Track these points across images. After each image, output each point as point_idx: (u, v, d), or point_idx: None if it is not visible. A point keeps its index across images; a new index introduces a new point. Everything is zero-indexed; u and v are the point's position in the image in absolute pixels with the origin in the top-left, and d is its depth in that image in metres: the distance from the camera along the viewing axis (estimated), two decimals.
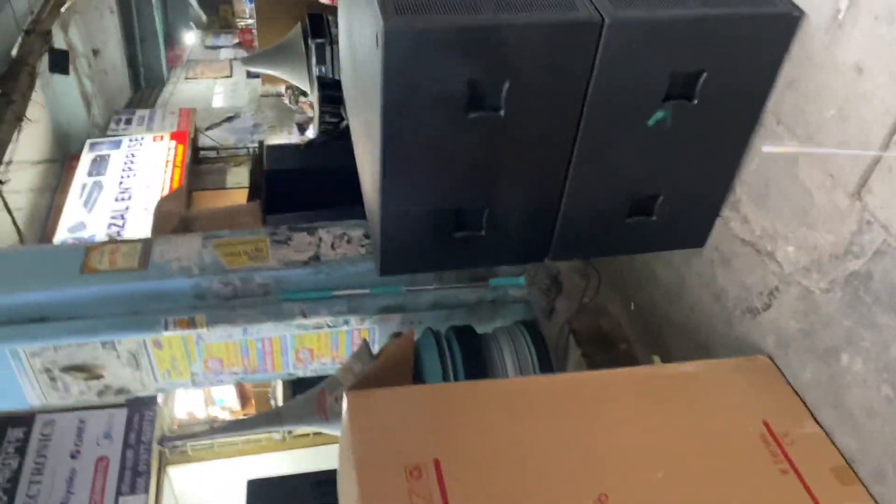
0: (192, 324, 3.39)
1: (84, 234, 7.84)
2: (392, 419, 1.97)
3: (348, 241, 3.57)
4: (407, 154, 2.03)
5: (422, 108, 1.93)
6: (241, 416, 3.71)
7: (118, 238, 4.40)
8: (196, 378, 3.71)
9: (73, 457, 5.91)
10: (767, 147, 2.16)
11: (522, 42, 1.86)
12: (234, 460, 5.62)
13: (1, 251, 3.58)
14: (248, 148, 10.17)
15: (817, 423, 2.02)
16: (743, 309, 2.35)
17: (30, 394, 3.56)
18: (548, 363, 3.26)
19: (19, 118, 6.65)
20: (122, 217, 8.02)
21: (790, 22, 1.97)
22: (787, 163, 2.09)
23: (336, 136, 5.13)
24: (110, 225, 7.93)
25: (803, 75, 1.99)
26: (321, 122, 5.15)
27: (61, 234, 7.80)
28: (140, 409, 6.32)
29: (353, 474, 1.79)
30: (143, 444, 6.08)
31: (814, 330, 2.03)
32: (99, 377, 3.56)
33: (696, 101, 2.07)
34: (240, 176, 9.23)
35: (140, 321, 3.37)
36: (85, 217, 8.05)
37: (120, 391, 3.70)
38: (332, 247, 3.54)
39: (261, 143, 4.77)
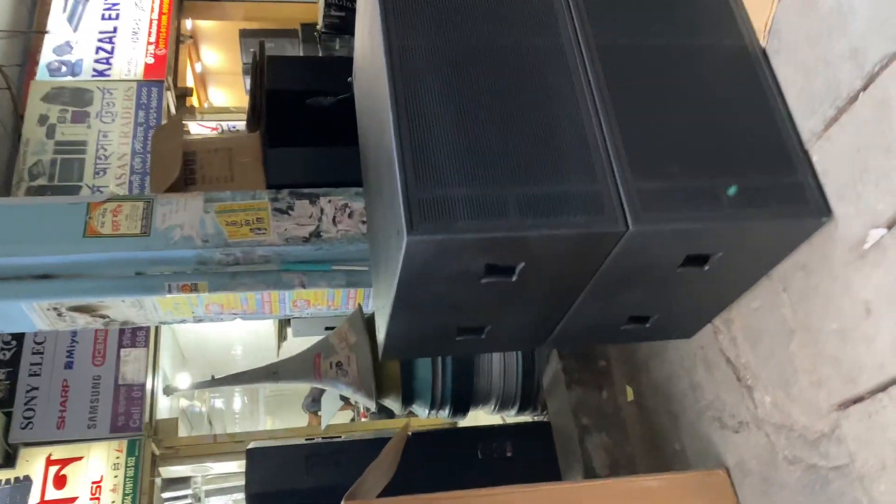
0: (194, 289, 3.51)
1: (71, 59, 7.50)
2: None
3: (349, 216, 3.59)
4: (418, 302, 2.07)
5: (437, 280, 1.94)
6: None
7: (117, 195, 4.28)
8: (197, 316, 3.90)
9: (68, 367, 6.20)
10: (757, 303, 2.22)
11: (545, 246, 1.85)
12: None
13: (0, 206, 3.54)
14: None
15: None
16: (714, 416, 2.55)
17: (39, 323, 3.74)
18: (532, 369, 3.49)
19: None
20: (111, 42, 7.62)
21: (816, 225, 1.95)
22: (785, 329, 2.17)
23: (342, 30, 4.84)
24: (98, 49, 7.56)
25: (816, 269, 2.00)
26: (326, 16, 4.82)
27: (47, 56, 7.47)
28: None
29: None
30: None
31: (771, 485, 2.26)
32: (104, 316, 3.74)
33: (706, 268, 2.09)
34: None
35: (144, 283, 3.47)
36: (71, 36, 7.63)
37: (124, 323, 3.91)
38: (334, 221, 3.57)
39: (261, 44, 4.47)
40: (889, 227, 1.75)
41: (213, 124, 8.25)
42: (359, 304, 3.80)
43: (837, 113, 1.91)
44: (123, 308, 3.72)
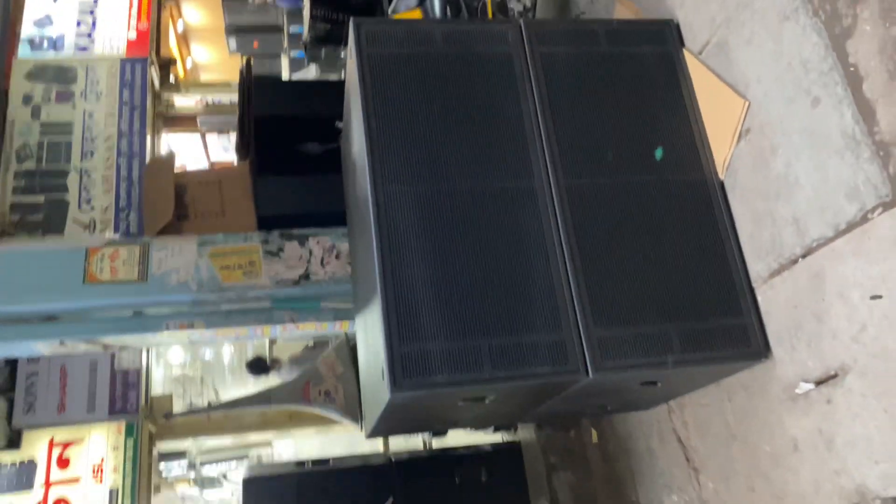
0: (190, 326, 3.72)
1: (52, 34, 7.41)
2: None
3: (337, 257, 3.77)
4: (402, 417, 2.31)
5: (419, 407, 2.18)
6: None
7: (114, 239, 4.36)
8: (192, 340, 4.12)
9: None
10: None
11: (514, 389, 2.08)
12: None
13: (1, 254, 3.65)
14: None
15: None
16: (665, 483, 2.85)
17: (43, 351, 3.96)
18: None
19: None
20: (92, 13, 7.51)
21: (757, 358, 2.18)
22: (727, 433, 2.44)
23: (328, 41, 4.89)
24: (79, 23, 7.45)
25: (756, 394, 2.25)
26: (311, 28, 4.85)
27: (27, 29, 7.37)
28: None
29: None
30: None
31: None
32: (105, 346, 3.96)
33: (659, 385, 2.34)
34: None
35: (143, 323, 3.67)
36: (51, 8, 7.51)
37: (122, 348, 4.13)
38: (322, 263, 3.75)
39: (248, 62, 4.50)
40: (816, 384, 1.99)
41: (198, 97, 8.22)
42: (345, 334, 4.04)
43: (780, 268, 2.12)
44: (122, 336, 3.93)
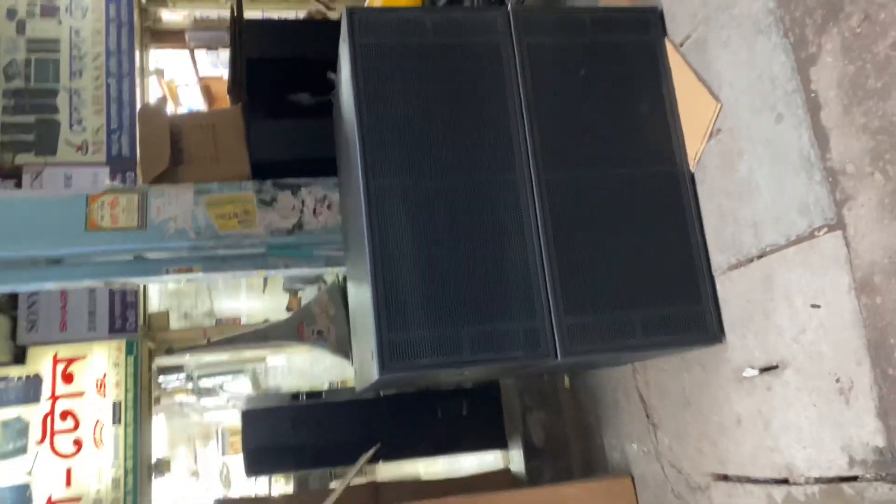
0: (189, 270, 3.91)
1: None
2: None
3: (329, 207, 3.93)
4: (394, 380, 2.55)
5: (407, 378, 2.41)
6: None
7: (114, 186, 4.40)
8: (189, 280, 4.32)
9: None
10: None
11: (489, 367, 2.31)
12: None
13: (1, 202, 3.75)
14: None
15: None
16: (627, 433, 3.15)
17: (48, 288, 4.14)
18: None
19: None
20: None
21: (712, 342, 2.41)
22: (683, 398, 2.70)
23: None
24: None
25: (709, 371, 2.50)
26: None
27: None
28: (122, 167, 6.81)
29: None
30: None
31: None
32: (106, 283, 4.15)
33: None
34: None
35: (144, 267, 3.86)
36: None
37: (124, 285, 4.33)
38: (314, 213, 3.91)
39: (239, 1, 4.47)
40: (760, 371, 2.23)
41: (185, 11, 8.05)
42: (336, 276, 4.25)
43: (738, 263, 2.31)
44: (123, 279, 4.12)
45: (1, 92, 6.82)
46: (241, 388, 8.92)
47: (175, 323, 7.46)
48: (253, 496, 6.80)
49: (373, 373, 2.23)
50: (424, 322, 2.22)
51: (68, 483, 6.17)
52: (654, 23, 2.61)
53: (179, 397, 8.03)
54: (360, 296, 2.46)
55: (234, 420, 11.01)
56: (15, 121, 6.90)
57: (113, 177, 6.85)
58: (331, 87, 3.73)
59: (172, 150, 4.11)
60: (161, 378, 7.25)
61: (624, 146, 2.49)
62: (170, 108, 9.60)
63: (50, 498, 6.12)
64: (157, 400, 7.22)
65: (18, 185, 6.04)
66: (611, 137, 2.49)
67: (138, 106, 6.65)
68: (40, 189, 5.68)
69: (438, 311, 2.24)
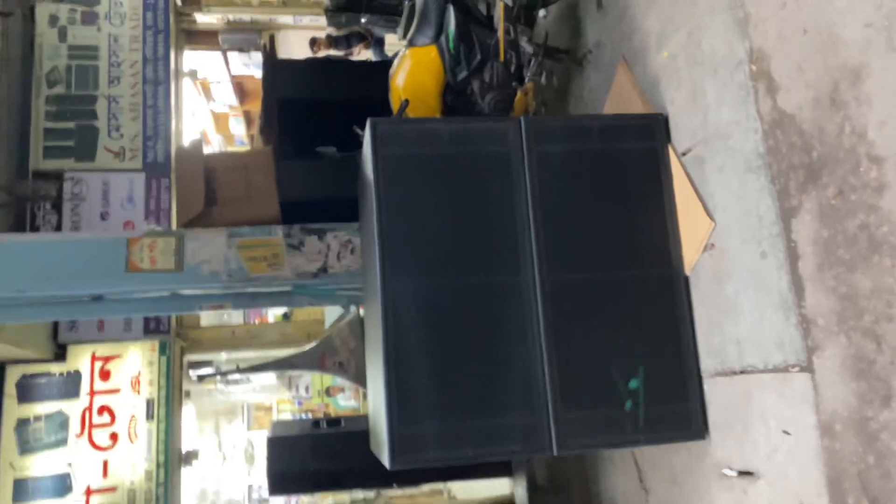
0: (220, 307, 4.19)
1: None
2: None
3: (352, 252, 4.16)
4: None
5: None
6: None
7: (153, 229, 4.66)
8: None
9: (103, 218, 6.87)
10: None
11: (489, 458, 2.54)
12: None
13: (46, 243, 4.02)
14: None
15: None
16: (621, 491, 3.38)
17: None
18: None
19: None
20: None
21: (696, 438, 2.62)
22: (671, 476, 2.92)
23: (349, 9, 4.97)
24: None
25: (695, 457, 2.71)
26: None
27: None
28: (156, 174, 7.09)
29: None
30: (162, 211, 7.02)
31: None
32: None
33: None
34: None
35: (179, 304, 4.16)
36: None
37: None
38: (338, 257, 4.15)
39: (271, 40, 4.65)
40: (738, 474, 2.44)
41: (219, 14, 8.21)
42: (357, 312, 4.50)
43: (723, 371, 2.51)
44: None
45: (44, 98, 7.10)
46: (267, 379, 9.31)
47: (205, 320, 7.82)
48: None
49: (385, 456, 2.48)
50: (432, 416, 2.46)
51: (105, 474, 6.58)
52: (659, 129, 2.77)
53: (209, 388, 8.44)
54: (375, 378, 2.69)
55: (259, 398, 11.44)
56: (56, 126, 7.18)
57: (148, 184, 7.14)
58: (355, 138, 3.92)
59: (206, 191, 4.36)
60: (191, 372, 7.62)
61: (625, 250, 2.68)
62: (202, 105, 9.85)
63: (88, 487, 6.55)
64: (188, 394, 7.61)
65: (58, 204, 6.35)
66: (613, 241, 2.67)
67: (173, 111, 6.91)
68: (81, 232, 5.98)
69: (444, 407, 2.47)
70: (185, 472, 7.23)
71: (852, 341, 1.90)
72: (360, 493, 5.06)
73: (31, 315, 4.23)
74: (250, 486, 12.43)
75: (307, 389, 10.39)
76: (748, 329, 2.35)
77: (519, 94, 3.67)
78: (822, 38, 1.96)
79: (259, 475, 12.27)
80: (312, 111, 4.63)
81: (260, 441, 12.13)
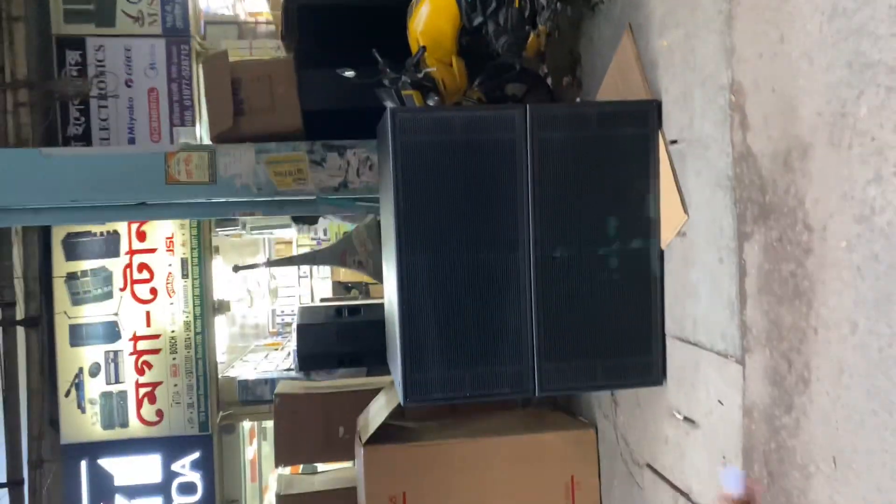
0: (252, 214, 4.66)
1: None
2: (385, 468, 3.89)
3: (370, 168, 4.54)
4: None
5: None
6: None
7: (188, 144, 4.80)
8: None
9: (128, 85, 7.12)
10: None
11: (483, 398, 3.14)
12: None
13: (93, 156, 4.33)
14: None
15: (599, 477, 4.04)
16: (597, 405, 4.03)
17: None
18: None
19: None
20: None
21: (655, 384, 3.20)
22: (636, 403, 3.54)
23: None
24: None
25: (653, 398, 3.30)
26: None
27: None
28: (176, 39, 7.23)
29: (362, 498, 3.86)
30: (183, 79, 7.24)
31: (613, 460, 3.86)
32: None
33: None
34: None
35: (214, 210, 4.63)
36: None
37: None
38: (358, 173, 4.53)
39: None
40: (683, 419, 3.03)
41: None
42: (374, 217, 4.95)
43: (682, 338, 3.02)
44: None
45: None
46: (289, 233, 9.93)
47: None
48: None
49: (399, 393, 3.08)
50: (437, 364, 3.02)
51: (148, 324, 7.42)
52: (652, 115, 3.06)
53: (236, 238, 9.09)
54: (392, 326, 3.22)
55: (280, 234, 12.14)
56: None
57: (168, 50, 7.30)
58: (375, 62, 4.15)
59: (234, 101, 4.64)
60: (218, 229, 8.22)
61: (611, 228, 3.08)
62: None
63: (135, 334, 7.41)
64: (217, 249, 8.26)
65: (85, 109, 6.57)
66: (601, 220, 3.07)
67: None
68: (123, 147, 6.21)
69: (449, 357, 3.02)
70: (219, 320, 8.06)
71: (773, 357, 2.38)
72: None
73: (84, 218, 4.72)
74: (273, 311, 13.58)
75: (325, 232, 11.09)
76: (703, 314, 2.82)
77: (532, 37, 3.86)
78: (785, 104, 2.24)
79: (281, 304, 13.40)
80: (333, 17, 4.78)
81: (283, 272, 13.09)
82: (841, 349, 2.06)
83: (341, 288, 10.86)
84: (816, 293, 2.15)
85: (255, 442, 10.68)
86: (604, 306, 3.11)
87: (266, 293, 12.19)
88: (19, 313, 6.26)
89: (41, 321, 6.56)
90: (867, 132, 1.93)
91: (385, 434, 3.98)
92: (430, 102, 3.78)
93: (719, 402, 2.74)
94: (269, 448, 10.06)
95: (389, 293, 3.40)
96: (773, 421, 2.40)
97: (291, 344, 10.15)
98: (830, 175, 2.07)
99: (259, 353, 9.79)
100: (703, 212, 2.79)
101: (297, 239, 12.19)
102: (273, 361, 9.02)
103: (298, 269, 12.39)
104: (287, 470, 5.50)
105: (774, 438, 2.40)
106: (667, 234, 3.06)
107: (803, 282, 2.21)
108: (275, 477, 7.51)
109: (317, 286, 12.63)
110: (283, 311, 13.62)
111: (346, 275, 9.75)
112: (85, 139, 7.02)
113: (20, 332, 6.22)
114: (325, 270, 11.07)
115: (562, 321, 3.08)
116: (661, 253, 3.13)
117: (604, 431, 3.97)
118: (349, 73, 4.23)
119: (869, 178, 1.93)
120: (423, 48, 3.68)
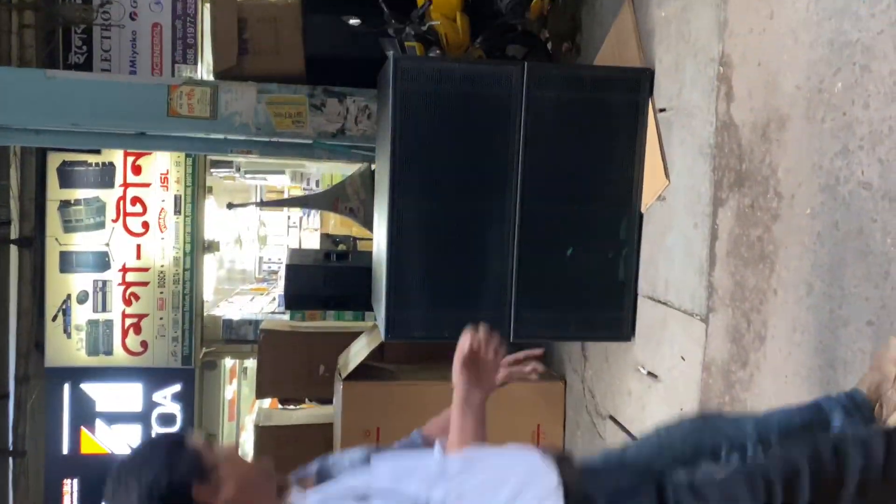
0: (248, 153, 4.75)
1: None
2: (362, 403, 4.06)
3: (368, 117, 4.63)
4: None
5: None
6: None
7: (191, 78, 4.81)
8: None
9: (132, 18, 7.11)
10: None
11: None
12: None
13: (97, 82, 4.38)
14: None
15: (563, 427, 4.23)
16: (567, 360, 4.21)
17: None
18: None
19: None
20: None
21: (624, 340, 3.36)
22: (604, 360, 3.71)
23: None
24: None
25: (620, 354, 3.47)
26: None
27: None
28: None
29: (338, 430, 4.03)
30: (188, 17, 7.23)
31: (578, 411, 4.04)
32: None
33: None
34: None
35: (211, 145, 4.71)
36: None
37: None
38: (356, 121, 4.62)
39: None
40: (647, 373, 3.21)
41: None
42: (368, 166, 5.05)
43: (652, 298, 3.17)
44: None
45: None
46: (281, 181, 10.00)
47: None
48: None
49: (381, 329, 3.22)
50: (419, 304, 3.16)
51: (138, 256, 7.50)
52: (644, 83, 3.17)
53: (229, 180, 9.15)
54: (379, 266, 3.36)
55: (272, 182, 12.21)
56: None
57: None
58: (381, 12, 4.22)
59: (238, 40, 4.70)
60: (213, 170, 8.27)
61: (595, 187, 3.22)
62: None
63: (124, 265, 7.50)
64: (210, 189, 8.32)
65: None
66: (586, 179, 3.21)
67: None
68: (127, 75, 6.21)
69: (430, 299, 3.17)
70: (208, 259, 8.17)
71: (734, 316, 2.54)
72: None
73: (83, 143, 4.79)
74: (260, 258, 13.69)
75: (317, 183, 11.17)
76: (675, 276, 2.97)
77: None
78: (768, 77, 2.37)
79: (269, 251, 13.50)
80: None
81: (272, 220, 13.21)
82: (797, 309, 2.22)
83: (329, 241, 10.97)
84: (779, 257, 2.30)
85: (236, 382, 10.88)
86: (581, 262, 3.25)
87: (255, 239, 12.29)
88: (14, 233, 6.34)
89: (35, 242, 6.65)
90: (839, 107, 2.06)
91: (364, 373, 4.14)
92: (432, 55, 3.87)
93: (682, 357, 2.91)
94: (248, 389, 10.26)
95: (379, 237, 3.53)
96: (729, 375, 2.57)
97: (277, 289, 10.31)
98: (803, 146, 2.20)
99: (245, 296, 9.92)
100: (683, 178, 2.92)
101: (288, 189, 12.27)
102: (258, 304, 9.17)
103: (288, 218, 12.49)
104: (266, 403, 5.66)
105: (729, 392, 2.57)
106: (647, 198, 3.20)
107: (768, 246, 2.36)
108: (251, 417, 7.67)
109: (305, 237, 12.73)
110: (269, 259, 13.74)
111: (336, 227, 9.88)
112: (87, 68, 7.02)
113: (13, 251, 6.30)
114: (314, 222, 11.17)
115: (541, 273, 3.23)
116: (641, 216, 3.27)
117: (572, 385, 4.16)
118: (355, 21, 4.30)
119: (837, 150, 2.07)
120: (430, 1, 3.75)
